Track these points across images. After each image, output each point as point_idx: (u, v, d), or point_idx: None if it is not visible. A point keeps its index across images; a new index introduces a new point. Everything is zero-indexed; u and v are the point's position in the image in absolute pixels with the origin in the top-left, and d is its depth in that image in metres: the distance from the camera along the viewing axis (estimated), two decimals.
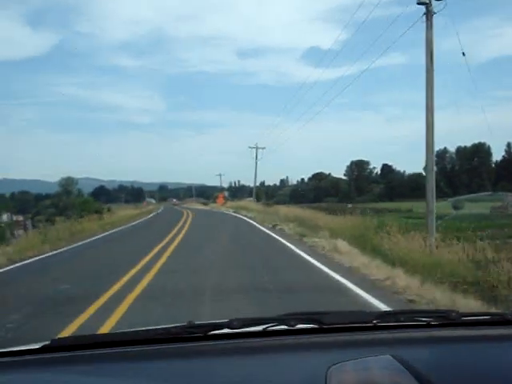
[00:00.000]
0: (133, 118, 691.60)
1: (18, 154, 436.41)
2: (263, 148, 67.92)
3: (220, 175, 75.32)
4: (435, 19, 14.04)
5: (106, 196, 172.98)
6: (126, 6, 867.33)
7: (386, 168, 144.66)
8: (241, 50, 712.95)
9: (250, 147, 67.04)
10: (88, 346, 1.67)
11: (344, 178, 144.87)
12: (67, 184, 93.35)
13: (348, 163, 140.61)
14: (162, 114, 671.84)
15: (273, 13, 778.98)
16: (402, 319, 1.83)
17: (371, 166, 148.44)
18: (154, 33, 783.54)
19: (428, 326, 1.83)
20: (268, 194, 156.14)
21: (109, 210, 74.80)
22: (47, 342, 1.66)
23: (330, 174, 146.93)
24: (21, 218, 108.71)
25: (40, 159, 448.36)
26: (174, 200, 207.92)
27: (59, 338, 1.73)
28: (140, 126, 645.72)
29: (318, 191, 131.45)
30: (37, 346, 1.67)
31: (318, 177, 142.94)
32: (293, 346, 1.68)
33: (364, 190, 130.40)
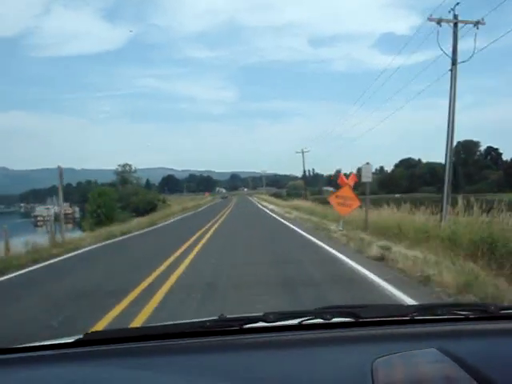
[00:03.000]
0: (208, 108, 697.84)
1: (96, 145, 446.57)
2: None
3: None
4: None
5: (175, 185, 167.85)
6: None
7: (492, 151, 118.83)
8: (314, 38, 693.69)
9: (296, 152, 63.11)
10: (121, 339, 1.66)
11: (440, 163, 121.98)
12: (124, 172, 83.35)
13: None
14: (236, 104, 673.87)
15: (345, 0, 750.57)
16: (440, 313, 1.79)
17: (482, 149, 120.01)
18: (229, 23, 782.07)
19: (467, 319, 1.79)
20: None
21: (164, 201, 65.29)
22: (80, 336, 1.66)
23: (419, 159, 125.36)
24: (69, 209, 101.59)
25: (116, 150, 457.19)
26: (246, 189, 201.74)
27: (92, 332, 1.71)
28: (214, 117, 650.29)
29: (411, 179, 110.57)
30: (70, 340, 1.66)
31: (407, 163, 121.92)
32: (330, 339, 1.63)
33: (474, 177, 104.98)
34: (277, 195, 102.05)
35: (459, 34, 17.33)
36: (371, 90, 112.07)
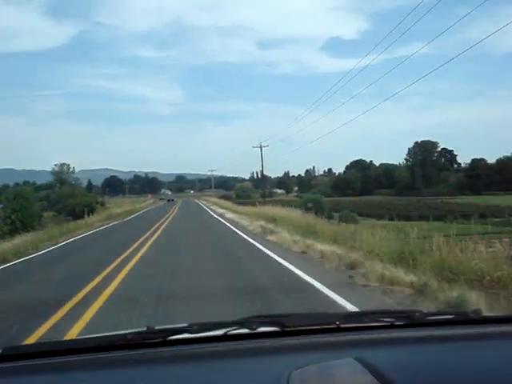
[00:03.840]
0: (155, 109, 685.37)
1: (38, 145, 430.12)
2: (266, 144, 55.64)
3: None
4: None
5: (118, 187, 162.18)
6: None
7: (447, 153, 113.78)
8: (262, 41, 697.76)
9: (253, 147, 55.12)
10: (41, 354, 1.58)
11: (396, 164, 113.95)
12: (61, 172, 78.43)
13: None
14: (184, 104, 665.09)
15: (293, 2, 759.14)
16: (366, 320, 1.81)
17: (439, 149, 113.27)
18: (176, 23, 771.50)
19: (392, 326, 1.80)
20: (302, 185, 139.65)
21: (103, 204, 61.27)
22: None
23: (371, 161, 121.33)
24: None
25: (59, 150, 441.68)
26: (192, 191, 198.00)
27: (11, 347, 1.63)
28: (161, 118, 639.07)
29: (366, 181, 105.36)
30: None
31: (359, 165, 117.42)
32: (254, 350, 1.62)
33: (432, 179, 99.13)
34: (226, 197, 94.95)
35: None
36: (319, 93, 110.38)
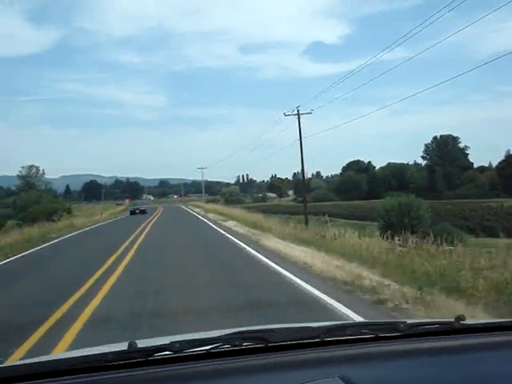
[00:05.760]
0: (136, 114, 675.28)
1: (16, 150, 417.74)
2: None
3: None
4: None
5: (98, 192, 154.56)
6: (129, 1, 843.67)
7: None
8: (244, 45, 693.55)
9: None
10: (12, 379, 1.51)
11: (405, 163, 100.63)
12: (29, 176, 70.87)
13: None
14: (166, 110, 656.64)
15: (275, 7, 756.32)
16: (350, 333, 1.79)
17: (462, 145, 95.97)
18: (157, 28, 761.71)
19: (376, 338, 1.79)
20: (299, 188, 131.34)
21: (69, 211, 54.02)
22: None
23: (370, 162, 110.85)
24: None
25: (39, 155, 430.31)
26: (176, 196, 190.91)
27: None
28: (143, 123, 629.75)
29: (374, 183, 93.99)
30: None
31: (357, 166, 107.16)
32: (239, 368, 1.58)
33: (454, 179, 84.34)
34: (215, 202, 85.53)
35: None
36: (302, 97, 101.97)
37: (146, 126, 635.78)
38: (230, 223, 29.62)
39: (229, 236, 21.19)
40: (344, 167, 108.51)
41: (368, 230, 18.38)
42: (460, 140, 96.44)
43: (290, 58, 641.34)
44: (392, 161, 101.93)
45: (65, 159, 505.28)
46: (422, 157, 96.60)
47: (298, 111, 32.35)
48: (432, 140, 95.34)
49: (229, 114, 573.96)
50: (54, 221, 41.54)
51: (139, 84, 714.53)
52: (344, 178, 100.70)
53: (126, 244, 18.94)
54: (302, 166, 32.29)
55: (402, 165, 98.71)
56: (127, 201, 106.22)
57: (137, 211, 52.59)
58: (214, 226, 29.51)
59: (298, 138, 32.10)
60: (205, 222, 33.82)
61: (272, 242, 16.82)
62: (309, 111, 32.81)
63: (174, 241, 20.48)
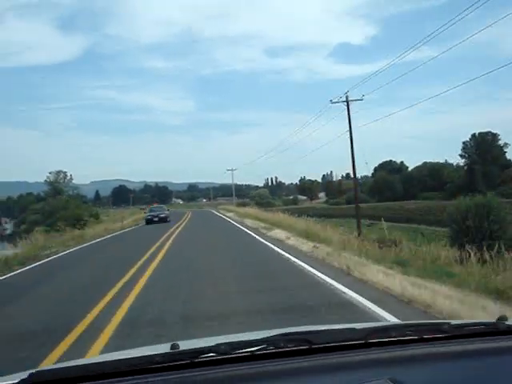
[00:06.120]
0: (164, 119, 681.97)
1: (50, 157, 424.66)
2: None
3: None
4: None
5: (126, 197, 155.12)
6: (156, 7, 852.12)
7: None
8: (270, 48, 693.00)
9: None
10: (65, 380, 1.52)
11: (444, 163, 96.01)
12: (57, 181, 70.33)
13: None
14: (194, 114, 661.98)
15: (301, 10, 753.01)
16: (394, 334, 1.78)
17: (501, 142, 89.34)
18: (185, 33, 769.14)
19: (420, 340, 1.77)
20: (330, 191, 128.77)
21: (97, 216, 53.10)
22: (25, 376, 1.52)
23: (402, 162, 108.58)
24: None
25: (71, 162, 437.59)
26: (204, 200, 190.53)
27: (37, 372, 1.56)
28: (172, 128, 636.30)
29: (407, 183, 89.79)
30: (14, 381, 1.53)
31: (389, 166, 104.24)
32: (283, 371, 1.57)
33: (495, 178, 78.67)
34: (245, 205, 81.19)
35: None
36: (328, 99, 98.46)
37: (175, 130, 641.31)
38: (278, 233, 22.11)
39: (291, 258, 13.81)
40: (376, 168, 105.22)
41: (432, 236, 15.70)
42: (500, 137, 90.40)
43: (316, 60, 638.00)
44: (426, 160, 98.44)
45: (94, 165, 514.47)
46: (460, 155, 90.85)
47: (346, 98, 28.70)
48: (470, 137, 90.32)
49: (256, 118, 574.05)
50: (78, 228, 40.55)
51: (167, 89, 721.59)
52: (377, 179, 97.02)
53: (126, 279, 11.61)
54: (353, 159, 27.67)
55: (438, 164, 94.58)
56: (155, 204, 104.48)
57: (155, 219, 42.19)
58: (259, 238, 21.50)
59: (340, 131, 28.11)
60: (245, 233, 25.54)
61: (374, 273, 10.02)
62: (359, 98, 28.64)
63: (208, 266, 13.24)
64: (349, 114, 28.29)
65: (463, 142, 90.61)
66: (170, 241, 22.40)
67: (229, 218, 46.35)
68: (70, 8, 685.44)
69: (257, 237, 22.10)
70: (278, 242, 19.04)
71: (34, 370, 1.56)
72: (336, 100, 28.98)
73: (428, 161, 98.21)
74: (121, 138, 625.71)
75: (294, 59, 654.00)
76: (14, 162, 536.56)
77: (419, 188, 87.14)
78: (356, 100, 28.80)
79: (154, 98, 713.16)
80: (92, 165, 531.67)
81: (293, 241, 18.52)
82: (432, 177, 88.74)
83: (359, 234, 20.39)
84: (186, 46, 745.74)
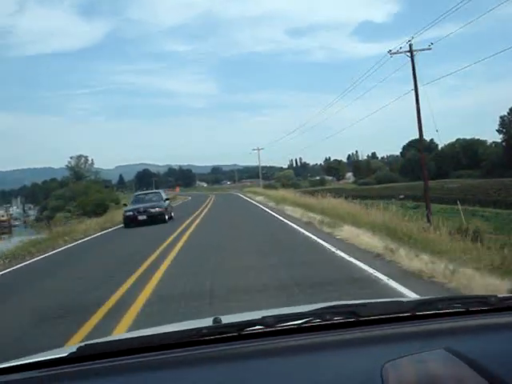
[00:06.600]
0: (187, 102, 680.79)
1: (74, 143, 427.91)
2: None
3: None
4: None
5: (150, 181, 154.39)
6: None
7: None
8: (292, 29, 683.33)
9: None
10: (113, 353, 1.51)
11: (480, 139, 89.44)
12: (78, 166, 68.81)
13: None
14: (217, 97, 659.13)
15: None
16: (440, 307, 1.74)
17: None
18: (206, 16, 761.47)
19: (468, 312, 1.75)
20: (359, 170, 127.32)
21: (118, 201, 51.32)
22: (73, 350, 1.50)
23: (432, 139, 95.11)
24: (3, 215, 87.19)
25: (96, 147, 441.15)
26: (228, 183, 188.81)
27: (86, 345, 1.57)
28: (195, 111, 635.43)
29: (439, 161, 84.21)
30: (63, 355, 1.51)
31: (417, 144, 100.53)
32: (333, 343, 1.55)
33: None
34: (272, 188, 73.28)
35: None
36: (353, 80, 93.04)
37: (198, 113, 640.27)
38: (360, 235, 12.45)
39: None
40: (404, 146, 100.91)
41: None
42: None
43: (339, 39, 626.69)
44: (460, 136, 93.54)
45: (119, 150, 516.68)
46: (498, 130, 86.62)
47: (410, 46, 24.68)
48: (508, 111, 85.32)
49: (279, 98, 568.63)
50: (99, 214, 38.77)
51: (190, 72, 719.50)
52: (408, 157, 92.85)
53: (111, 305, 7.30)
54: (420, 124, 24.41)
55: (473, 140, 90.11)
56: (177, 189, 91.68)
57: (140, 217, 23.58)
58: (338, 251, 10.63)
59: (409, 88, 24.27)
60: (303, 236, 14.42)
61: None
62: (427, 47, 25.01)
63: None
64: (413, 66, 24.59)
65: (500, 117, 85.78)
66: (183, 239, 15.55)
67: (258, 203, 37.74)
68: None
69: (331, 247, 11.41)
70: (384, 262, 9.10)
71: (83, 344, 1.58)
72: (395, 51, 25.13)
73: (461, 137, 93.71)
74: (145, 122, 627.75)
75: (315, 39, 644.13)
76: (41, 148, 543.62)
77: (452, 166, 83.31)
78: (422, 50, 24.71)
79: (177, 81, 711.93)
80: (117, 150, 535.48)
81: (407, 257, 8.96)
82: (466, 154, 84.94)
83: (429, 222, 16.14)
84: (206, 29, 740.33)
